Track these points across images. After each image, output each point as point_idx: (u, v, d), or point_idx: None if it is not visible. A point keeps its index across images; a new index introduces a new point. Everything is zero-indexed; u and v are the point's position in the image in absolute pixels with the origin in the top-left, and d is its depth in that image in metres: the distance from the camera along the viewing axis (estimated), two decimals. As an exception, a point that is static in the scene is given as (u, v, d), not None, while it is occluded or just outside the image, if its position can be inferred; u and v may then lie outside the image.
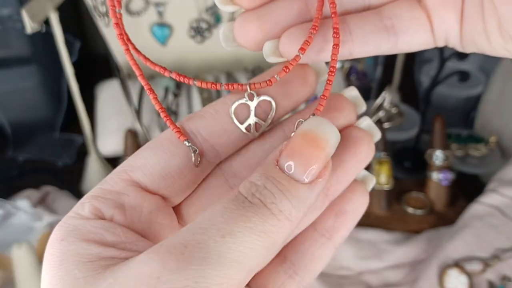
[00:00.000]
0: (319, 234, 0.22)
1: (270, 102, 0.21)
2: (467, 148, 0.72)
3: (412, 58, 0.83)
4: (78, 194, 0.69)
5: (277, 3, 0.21)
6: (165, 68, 0.20)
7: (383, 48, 0.21)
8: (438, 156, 0.66)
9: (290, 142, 0.18)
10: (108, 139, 0.67)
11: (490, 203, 0.62)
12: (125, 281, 0.15)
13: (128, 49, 0.20)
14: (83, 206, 0.18)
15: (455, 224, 0.62)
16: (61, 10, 0.60)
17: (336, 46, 0.20)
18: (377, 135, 0.22)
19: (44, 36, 0.63)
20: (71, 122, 0.83)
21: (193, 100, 0.68)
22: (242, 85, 0.20)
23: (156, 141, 0.20)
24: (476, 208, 0.62)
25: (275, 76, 0.20)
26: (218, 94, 0.68)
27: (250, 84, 0.20)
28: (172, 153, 0.20)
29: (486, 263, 0.55)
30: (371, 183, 0.24)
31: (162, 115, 0.20)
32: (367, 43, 0.21)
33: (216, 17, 0.73)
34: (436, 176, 0.66)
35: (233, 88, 0.20)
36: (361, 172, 0.23)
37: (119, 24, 0.20)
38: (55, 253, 0.17)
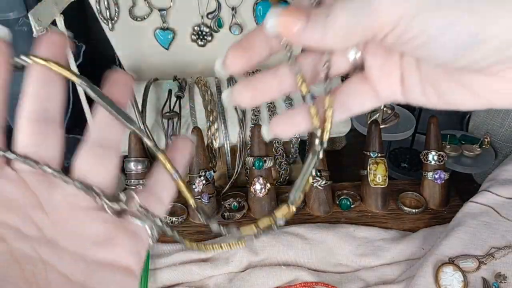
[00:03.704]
0: None
1: None
2: (461, 149, 0.72)
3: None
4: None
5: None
6: None
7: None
8: (433, 157, 0.67)
9: None
10: (113, 139, 0.67)
11: (484, 203, 0.62)
12: None
13: None
14: None
15: (449, 222, 0.61)
16: (68, 14, 0.61)
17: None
18: None
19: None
20: (77, 123, 0.84)
21: (196, 102, 0.69)
22: None
23: None
24: (471, 207, 0.62)
25: None
26: (220, 97, 0.69)
27: None
28: None
29: (481, 261, 0.55)
30: None
31: None
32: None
33: (218, 22, 0.74)
34: (431, 176, 0.67)
35: None
36: None
37: None
38: None
